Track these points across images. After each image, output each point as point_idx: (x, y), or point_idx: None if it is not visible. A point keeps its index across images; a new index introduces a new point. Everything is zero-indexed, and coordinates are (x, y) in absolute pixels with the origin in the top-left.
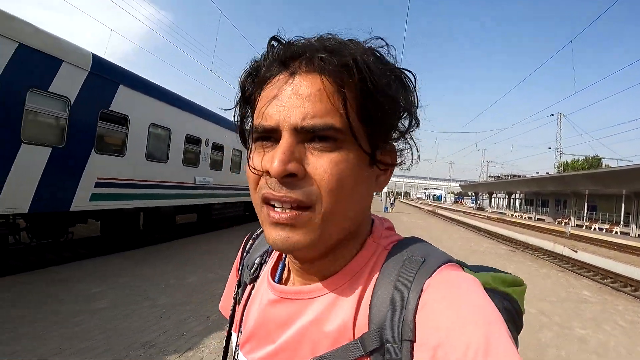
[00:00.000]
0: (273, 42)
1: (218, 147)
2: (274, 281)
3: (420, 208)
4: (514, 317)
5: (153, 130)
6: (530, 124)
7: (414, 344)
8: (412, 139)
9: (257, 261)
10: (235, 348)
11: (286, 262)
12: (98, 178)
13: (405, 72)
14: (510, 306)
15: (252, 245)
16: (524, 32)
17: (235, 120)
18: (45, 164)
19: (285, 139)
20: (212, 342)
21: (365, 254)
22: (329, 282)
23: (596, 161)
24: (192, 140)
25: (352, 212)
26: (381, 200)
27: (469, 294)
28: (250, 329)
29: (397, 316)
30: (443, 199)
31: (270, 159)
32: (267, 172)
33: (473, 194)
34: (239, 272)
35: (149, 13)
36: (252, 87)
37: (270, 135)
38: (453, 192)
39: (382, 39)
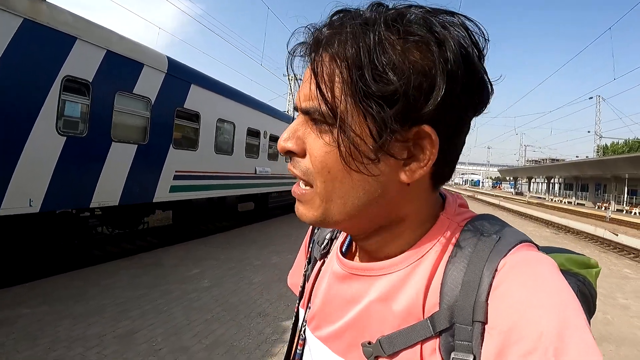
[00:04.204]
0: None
1: (274, 139)
2: (342, 254)
3: (460, 193)
4: (588, 301)
5: (220, 125)
6: (569, 107)
7: (486, 326)
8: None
9: (327, 237)
10: (303, 324)
11: None
12: (176, 171)
13: (425, 38)
14: (585, 289)
15: None
16: (563, 18)
17: None
18: (132, 160)
19: (297, 118)
20: None
21: (437, 231)
22: (399, 259)
23: (636, 144)
24: (253, 133)
25: (354, 198)
26: None
27: (545, 276)
28: (319, 305)
29: (469, 296)
30: (481, 184)
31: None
32: None
33: (511, 179)
34: (309, 249)
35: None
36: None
37: None
38: (491, 177)
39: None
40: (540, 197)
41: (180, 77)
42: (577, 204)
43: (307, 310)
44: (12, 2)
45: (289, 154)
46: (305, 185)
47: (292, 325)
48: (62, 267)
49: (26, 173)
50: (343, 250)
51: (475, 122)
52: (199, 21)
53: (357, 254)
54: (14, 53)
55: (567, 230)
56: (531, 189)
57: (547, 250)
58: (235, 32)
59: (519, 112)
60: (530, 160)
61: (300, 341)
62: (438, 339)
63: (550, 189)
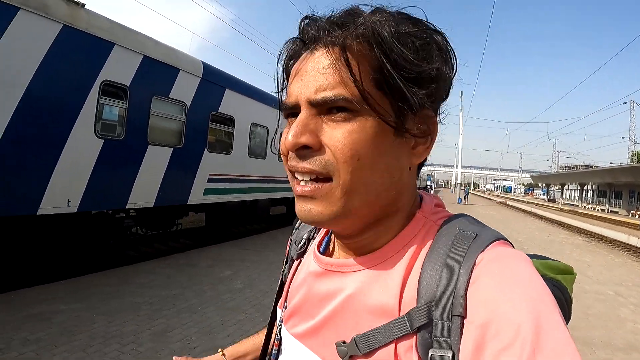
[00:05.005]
0: (304, 21)
1: None
2: (320, 252)
3: (491, 200)
4: (562, 305)
5: (253, 129)
6: (602, 112)
7: (464, 320)
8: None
9: (305, 236)
10: (279, 323)
11: (332, 236)
12: (210, 174)
13: (436, 33)
14: (559, 294)
15: (301, 222)
16: (596, 22)
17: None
18: (168, 163)
19: (302, 113)
20: None
21: (413, 227)
22: (376, 255)
23: None
24: None
25: (378, 184)
26: (452, 192)
27: (521, 271)
28: (295, 303)
29: (447, 291)
30: (513, 191)
31: (287, 133)
32: None
33: (544, 185)
34: (288, 249)
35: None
36: (285, 68)
37: (295, 112)
38: (523, 184)
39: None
40: (573, 204)
41: (215, 81)
42: (611, 211)
43: (284, 309)
44: (52, 9)
45: (302, 150)
46: (320, 181)
47: (267, 325)
48: (97, 266)
49: (65, 174)
50: (321, 249)
51: (508, 127)
52: (232, 26)
53: (335, 252)
54: (54, 58)
55: (600, 238)
56: (564, 196)
57: None
58: (268, 37)
59: (552, 118)
60: (563, 167)
61: (275, 342)
62: (415, 336)
63: (583, 196)
